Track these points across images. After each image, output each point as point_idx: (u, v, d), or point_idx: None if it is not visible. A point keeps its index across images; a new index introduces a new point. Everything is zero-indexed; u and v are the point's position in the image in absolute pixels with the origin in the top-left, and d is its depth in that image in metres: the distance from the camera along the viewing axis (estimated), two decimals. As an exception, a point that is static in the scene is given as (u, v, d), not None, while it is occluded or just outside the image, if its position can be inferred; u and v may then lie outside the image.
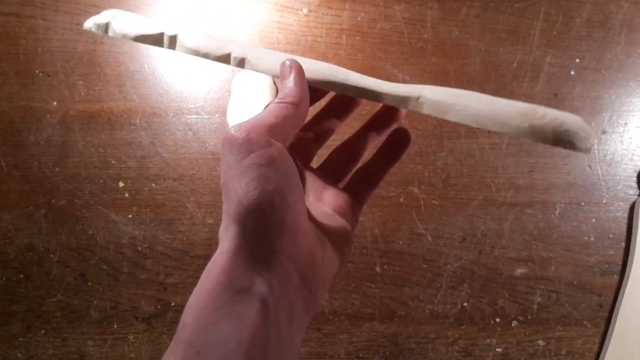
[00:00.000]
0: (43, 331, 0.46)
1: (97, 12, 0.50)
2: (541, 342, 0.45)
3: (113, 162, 0.48)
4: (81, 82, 0.50)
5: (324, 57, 0.50)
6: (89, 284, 0.46)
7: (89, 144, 0.49)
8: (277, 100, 0.23)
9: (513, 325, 0.46)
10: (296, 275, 0.21)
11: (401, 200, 0.48)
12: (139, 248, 0.47)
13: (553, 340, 0.45)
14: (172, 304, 0.46)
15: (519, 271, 0.46)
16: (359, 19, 0.51)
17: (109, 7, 0.50)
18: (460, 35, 0.50)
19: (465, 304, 0.46)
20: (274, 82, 0.49)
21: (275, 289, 0.20)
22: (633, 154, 0.49)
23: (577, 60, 0.50)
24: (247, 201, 0.20)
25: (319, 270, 0.22)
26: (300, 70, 0.23)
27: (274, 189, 0.20)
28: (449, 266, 0.46)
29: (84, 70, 0.50)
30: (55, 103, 0.49)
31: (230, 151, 0.21)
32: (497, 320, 0.46)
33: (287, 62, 0.23)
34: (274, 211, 0.20)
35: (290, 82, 0.23)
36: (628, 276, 0.45)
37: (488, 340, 0.45)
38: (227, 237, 0.21)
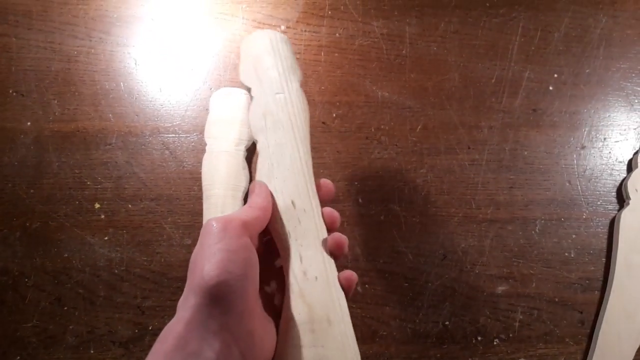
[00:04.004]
0: (18, 357, 0.45)
1: (72, 30, 0.50)
2: (523, 360, 0.45)
3: (88, 182, 0.47)
4: (55, 102, 0.49)
5: (302, 74, 0.49)
6: (65, 308, 0.45)
7: (63, 165, 0.48)
8: (247, 205, 0.29)
9: (495, 343, 0.45)
10: (237, 351, 0.24)
11: (382, 218, 0.47)
12: (116, 271, 0.46)
13: (535, 358, 0.45)
14: (150, 328, 0.45)
15: (500, 288, 0.46)
16: (337, 35, 0.50)
17: (83, 26, 0.50)
18: (439, 51, 0.50)
19: (447, 322, 0.45)
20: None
21: None
22: (612, 169, 0.49)
23: (556, 75, 0.50)
24: (209, 278, 0.23)
25: (258, 350, 0.26)
26: (266, 188, 0.30)
27: (233, 272, 0.24)
28: (430, 284, 0.46)
29: (58, 90, 0.49)
30: (29, 123, 0.48)
31: (207, 236, 0.25)
32: (479, 338, 0.45)
33: (258, 183, 0.30)
34: (229, 291, 0.24)
35: (259, 195, 0.29)
36: (609, 292, 0.45)
37: (470, 359, 0.45)
38: (185, 306, 0.24)
